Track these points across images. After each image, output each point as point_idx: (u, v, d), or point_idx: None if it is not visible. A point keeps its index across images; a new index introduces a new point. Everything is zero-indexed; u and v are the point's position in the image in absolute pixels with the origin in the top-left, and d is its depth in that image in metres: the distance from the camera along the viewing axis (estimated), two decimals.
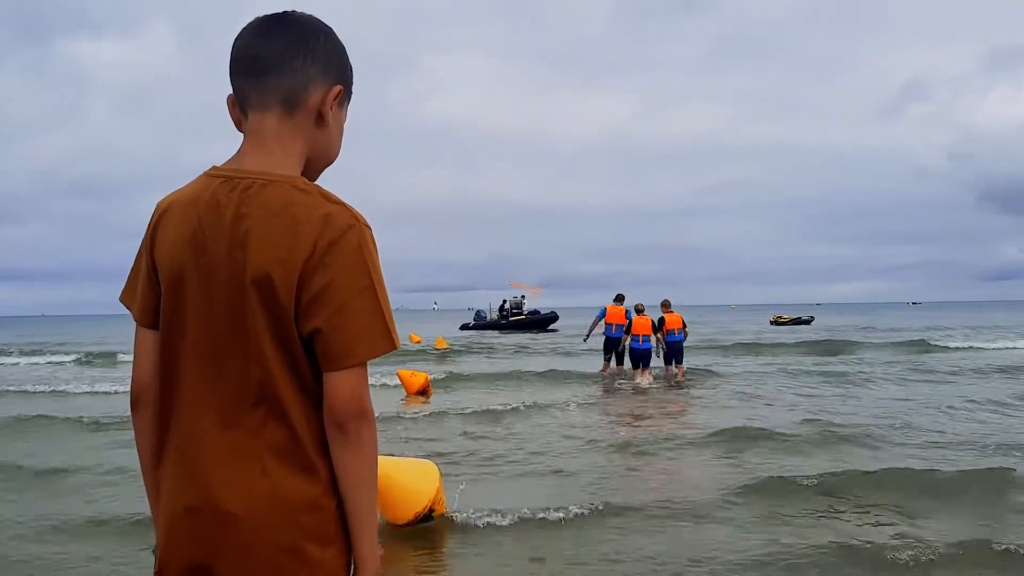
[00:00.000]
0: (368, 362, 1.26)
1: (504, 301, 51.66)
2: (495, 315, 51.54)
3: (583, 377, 16.02)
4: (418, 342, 29.86)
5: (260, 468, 1.23)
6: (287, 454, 1.24)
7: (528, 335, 38.89)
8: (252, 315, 1.22)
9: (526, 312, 50.04)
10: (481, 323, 51.51)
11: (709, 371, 16.89)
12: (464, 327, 50.96)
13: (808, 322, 53.36)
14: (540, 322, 48.55)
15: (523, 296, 51.76)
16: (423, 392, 13.42)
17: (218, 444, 1.25)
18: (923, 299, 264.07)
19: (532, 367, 18.27)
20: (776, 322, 54.04)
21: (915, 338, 28.21)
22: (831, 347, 25.04)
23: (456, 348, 26.95)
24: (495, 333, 43.65)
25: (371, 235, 1.27)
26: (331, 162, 1.40)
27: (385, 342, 1.25)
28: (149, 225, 1.35)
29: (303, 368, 1.25)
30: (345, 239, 1.22)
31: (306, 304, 1.22)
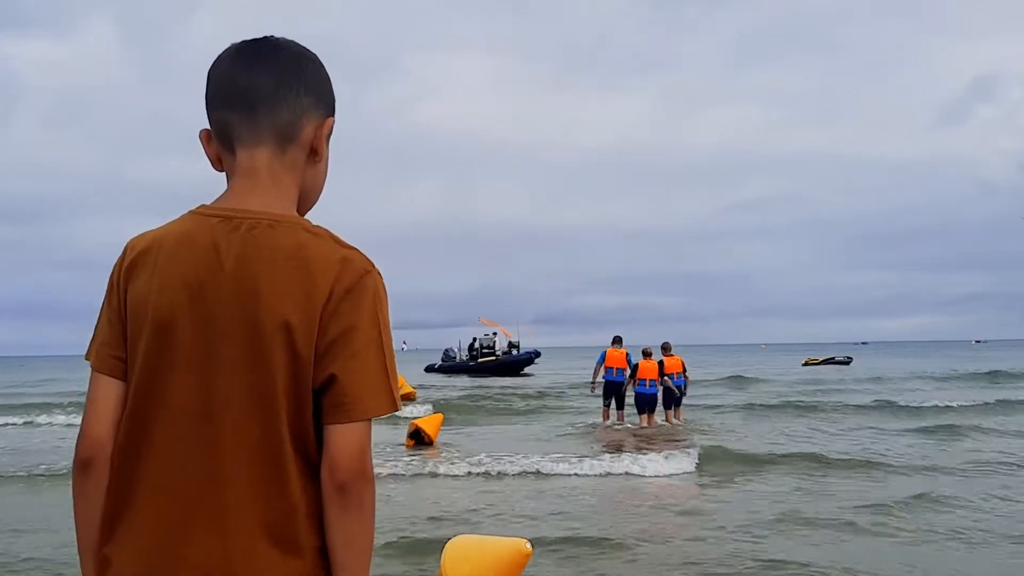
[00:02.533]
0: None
1: (474, 340, 50.97)
2: (465, 355, 51.02)
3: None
4: (411, 395, 24.96)
5: (250, 549, 1.24)
6: (282, 533, 1.26)
7: (496, 380, 38.62)
8: (270, 369, 1.26)
9: (499, 352, 49.07)
10: (448, 365, 50.99)
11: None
12: (430, 368, 50.86)
13: (846, 363, 53.52)
14: (511, 364, 47.59)
15: (495, 334, 50.93)
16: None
17: (201, 519, 1.25)
18: (989, 336, 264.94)
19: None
20: (808, 364, 54.41)
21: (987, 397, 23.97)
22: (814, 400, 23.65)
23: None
24: (464, 376, 43.52)
25: (383, 284, 1.34)
26: (317, 199, 1.47)
27: (389, 399, 1.30)
28: (119, 266, 1.37)
29: (309, 431, 1.28)
30: (362, 285, 1.29)
31: (323, 350, 1.27)
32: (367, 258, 1.33)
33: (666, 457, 11.62)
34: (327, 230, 1.35)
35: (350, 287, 1.28)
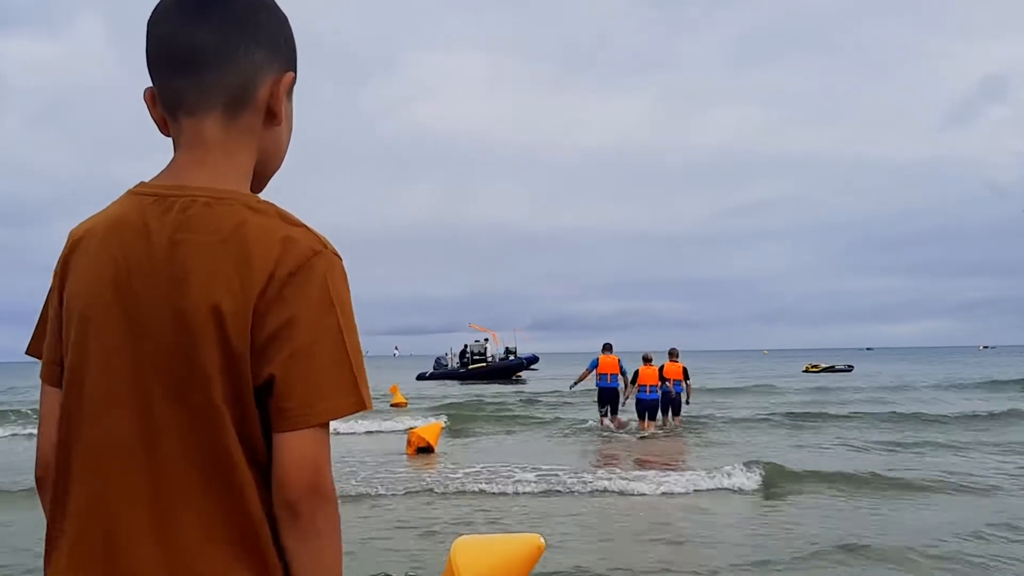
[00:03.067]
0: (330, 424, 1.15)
1: (465, 347, 51.63)
2: (456, 362, 51.54)
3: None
4: (402, 404, 25.74)
5: (204, 568, 1.12)
6: (238, 547, 1.13)
7: (490, 386, 38.66)
8: (198, 364, 1.12)
9: (490, 358, 49.70)
10: (439, 372, 51.43)
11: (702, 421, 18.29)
12: (421, 376, 50.94)
13: (847, 371, 53.95)
14: (503, 370, 47.99)
15: (486, 340, 51.57)
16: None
17: (142, 537, 1.12)
18: (998, 342, 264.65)
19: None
20: (809, 371, 54.86)
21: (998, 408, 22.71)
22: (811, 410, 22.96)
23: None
24: (455, 383, 43.49)
25: (341, 265, 1.19)
26: (278, 167, 1.33)
27: (350, 398, 1.15)
28: (60, 258, 1.26)
29: (256, 434, 1.14)
30: (309, 268, 1.14)
31: (260, 346, 1.12)
32: (318, 235, 1.19)
33: (720, 474, 10.65)
34: (274, 206, 1.20)
35: (293, 270, 1.13)
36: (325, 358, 1.13)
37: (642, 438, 15.76)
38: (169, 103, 1.23)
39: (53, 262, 1.28)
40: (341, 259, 1.20)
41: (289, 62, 1.28)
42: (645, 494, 10.01)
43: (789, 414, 21.01)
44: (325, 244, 1.18)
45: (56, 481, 1.19)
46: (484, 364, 48.74)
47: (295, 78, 1.29)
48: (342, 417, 1.15)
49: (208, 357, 1.12)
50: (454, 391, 35.96)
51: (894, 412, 21.22)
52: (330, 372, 1.13)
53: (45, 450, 1.25)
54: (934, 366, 61.08)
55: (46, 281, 1.30)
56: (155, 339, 1.14)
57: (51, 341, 1.26)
